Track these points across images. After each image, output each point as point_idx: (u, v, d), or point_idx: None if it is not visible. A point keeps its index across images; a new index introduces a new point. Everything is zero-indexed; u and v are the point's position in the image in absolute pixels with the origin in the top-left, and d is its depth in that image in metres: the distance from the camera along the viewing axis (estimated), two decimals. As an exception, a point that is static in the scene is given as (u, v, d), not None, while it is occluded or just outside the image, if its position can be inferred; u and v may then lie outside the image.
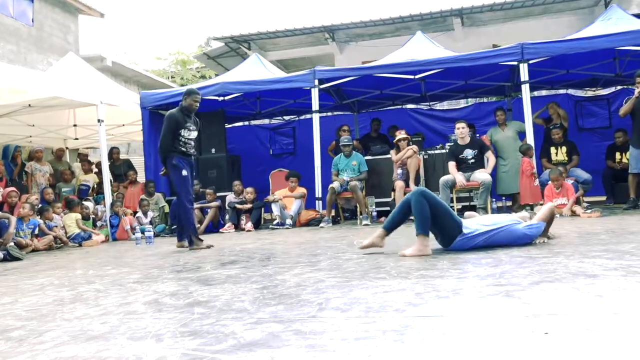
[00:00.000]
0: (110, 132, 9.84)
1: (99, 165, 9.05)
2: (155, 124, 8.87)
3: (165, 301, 2.43)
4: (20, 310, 2.47)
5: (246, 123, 11.11)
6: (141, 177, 9.50)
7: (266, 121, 11.45)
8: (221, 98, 9.02)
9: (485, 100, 10.81)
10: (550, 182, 6.57)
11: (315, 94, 7.87)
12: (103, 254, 5.28)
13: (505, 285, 2.22)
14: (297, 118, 10.90)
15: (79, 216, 7.37)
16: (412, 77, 8.16)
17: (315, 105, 7.87)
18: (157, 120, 8.95)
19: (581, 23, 10.53)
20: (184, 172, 5.15)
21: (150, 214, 8.10)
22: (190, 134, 5.25)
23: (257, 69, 8.85)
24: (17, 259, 5.43)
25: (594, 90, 9.77)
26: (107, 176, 8.10)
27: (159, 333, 1.84)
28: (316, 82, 7.86)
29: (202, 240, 5.24)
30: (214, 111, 9.37)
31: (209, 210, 7.87)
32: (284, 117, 10.91)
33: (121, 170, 9.43)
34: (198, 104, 5.26)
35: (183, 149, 5.21)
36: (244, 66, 9.22)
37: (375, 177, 7.93)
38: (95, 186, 9.39)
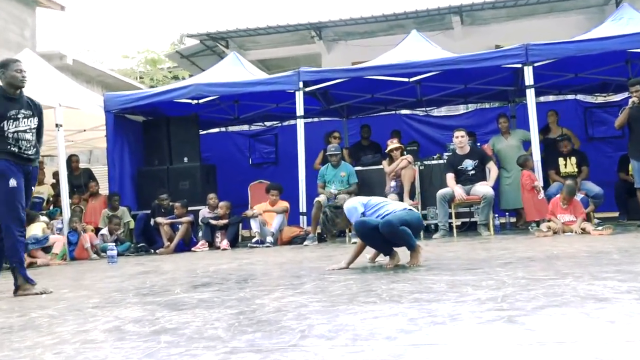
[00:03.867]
0: (69, 138, 9.76)
1: (56, 175, 8.96)
2: (121, 130, 8.83)
3: (128, 328, 2.40)
4: (-38, 339, 2.42)
5: (223, 129, 11.09)
6: (104, 189, 9.42)
7: (245, 127, 11.43)
8: (195, 101, 9.00)
9: (486, 106, 10.93)
10: (557, 195, 6.63)
11: (299, 98, 7.89)
12: (59, 275, 5.21)
13: (508, 310, 2.23)
14: (280, 124, 10.90)
15: (44, 224, 7.29)
16: (406, 79, 8.24)
17: (299, 110, 7.89)
18: (123, 126, 8.91)
19: (590, 23, 10.72)
20: (12, 182, 3.92)
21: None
22: (21, 124, 4.03)
23: (235, 70, 8.86)
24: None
25: (605, 96, 9.93)
26: (65, 187, 8.02)
27: (120, 364, 1.81)
28: (301, 84, 7.89)
29: (32, 284, 3.99)
30: (186, 115, 9.33)
31: (179, 226, 7.82)
32: (265, 123, 10.91)
33: (81, 180, 9.35)
34: (24, 76, 4.07)
35: (13, 148, 3.99)
36: (221, 66, 9.22)
37: (366, 190, 7.93)
38: (51, 199, 9.29)
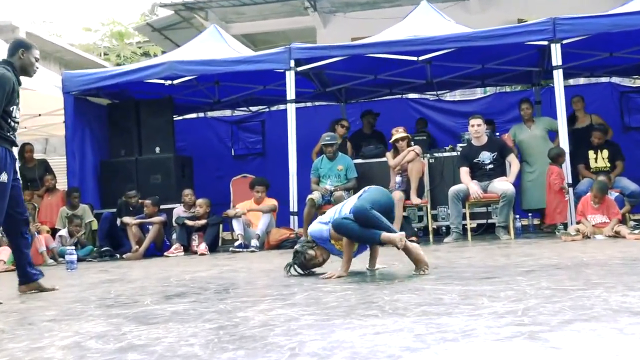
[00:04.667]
0: (22, 125, 9.70)
1: (6, 167, 8.92)
2: (82, 115, 8.80)
3: (89, 345, 2.40)
4: None
5: (201, 115, 11.06)
6: (62, 184, 9.38)
7: (227, 113, 11.40)
8: (169, 82, 8.98)
9: (507, 89, 10.95)
10: (588, 194, 6.66)
11: (290, 79, 7.88)
12: (8, 284, 5.20)
13: (530, 325, 2.24)
14: (268, 109, 10.89)
15: None
16: (415, 58, 8.24)
17: (290, 93, 7.88)
18: (84, 110, 8.89)
19: (628, -6, 10.75)
20: (3, 177, 4.03)
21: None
22: (19, 113, 4.30)
23: (216, 45, 8.85)
24: None
25: (645, 79, 9.97)
26: (16, 182, 7.99)
27: (81, 386, 1.81)
28: (292, 63, 7.88)
29: None
30: (158, 99, 9.31)
31: (150, 227, 7.81)
32: (250, 107, 10.90)
33: (35, 173, 9.32)
34: (37, 67, 4.39)
35: (11, 135, 4.17)
36: (199, 41, 9.20)
37: (367, 186, 7.96)
38: None
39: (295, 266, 4.38)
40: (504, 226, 6.93)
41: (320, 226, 4.40)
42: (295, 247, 4.54)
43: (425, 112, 10.19)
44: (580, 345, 1.94)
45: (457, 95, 10.99)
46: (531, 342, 2.00)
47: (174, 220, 8.06)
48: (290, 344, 2.18)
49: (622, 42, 7.83)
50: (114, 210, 8.19)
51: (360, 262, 4.58)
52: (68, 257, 6.48)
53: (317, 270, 4.43)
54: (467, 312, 2.56)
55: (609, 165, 7.67)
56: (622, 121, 9.34)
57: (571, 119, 8.30)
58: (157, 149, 8.95)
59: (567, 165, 7.13)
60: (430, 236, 7.41)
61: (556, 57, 7.17)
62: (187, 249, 7.79)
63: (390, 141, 7.76)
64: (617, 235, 6.22)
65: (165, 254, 7.63)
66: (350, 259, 4.22)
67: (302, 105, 10.35)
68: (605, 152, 7.72)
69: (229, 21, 13.17)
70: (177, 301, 3.48)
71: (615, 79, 9.82)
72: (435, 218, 7.71)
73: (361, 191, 4.46)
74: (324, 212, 7.56)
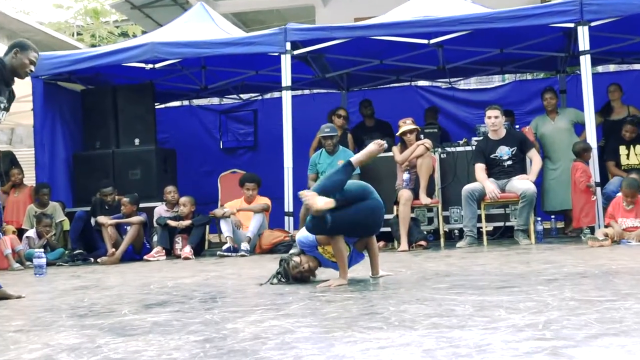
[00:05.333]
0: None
1: (-33, 160, 8.92)
2: (52, 102, 8.80)
3: (61, 358, 2.40)
4: None
5: (186, 103, 11.06)
6: (29, 179, 9.37)
7: (215, 101, 11.40)
8: (150, 66, 8.97)
9: (528, 77, 10.97)
10: (619, 194, 6.67)
11: (286, 63, 7.87)
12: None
13: (552, 340, 2.25)
14: (260, 97, 10.88)
15: None
16: (425, 41, 8.23)
17: (286, 79, 7.86)
18: (55, 97, 8.88)
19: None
20: None
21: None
22: (3, 113, 4.57)
23: (202, 25, 8.84)
24: None
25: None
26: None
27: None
28: (288, 45, 7.87)
29: None
30: (138, 84, 9.29)
31: (128, 228, 7.81)
32: (241, 95, 10.90)
33: (0, 167, 9.31)
34: (32, 71, 4.59)
35: None
36: (184, 21, 9.19)
37: (372, 184, 7.93)
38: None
39: (279, 276, 4.37)
40: (524, 230, 6.94)
41: (304, 233, 4.40)
42: (280, 259, 4.51)
43: (437, 102, 10.19)
44: (607, 362, 1.95)
45: (472, 83, 11.01)
46: (553, 358, 2.01)
47: (154, 220, 8.05)
48: (285, 359, 2.19)
49: (658, 25, 7.84)
50: (88, 208, 8.18)
51: (363, 268, 4.59)
52: (36, 261, 6.46)
53: (316, 278, 4.44)
54: (482, 325, 2.57)
55: (643, 162, 7.68)
56: (658, 113, 9.32)
57: (606, 109, 8.31)
58: (137, 141, 8.94)
59: (594, 161, 7.12)
60: (442, 240, 7.40)
61: (583, 41, 7.16)
62: (170, 253, 7.79)
63: (397, 134, 7.76)
64: (650, 240, 6.23)
65: (145, 258, 7.62)
66: (346, 263, 4.22)
67: (299, 93, 10.35)
68: (639, 148, 7.72)
69: (218, -2, 13.16)
70: (159, 311, 3.48)
71: (650, 66, 9.83)
72: (447, 220, 7.71)
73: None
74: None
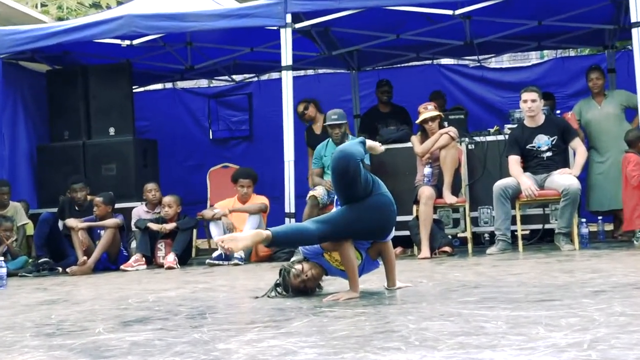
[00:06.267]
0: None
1: None
2: (13, 85, 8.81)
3: (25, 385, 2.41)
4: None
5: (169, 85, 11.06)
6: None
7: (203, 83, 11.40)
8: (127, 42, 8.96)
9: (571, 53, 10.92)
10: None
11: (286, 39, 7.84)
12: None
13: (599, 362, 2.25)
14: (256, 79, 10.88)
15: None
16: (450, 12, 8.22)
17: (286, 57, 7.84)
18: (16, 78, 8.89)
19: None
20: None
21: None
22: None
23: (188, -6, 8.83)
24: None
25: None
26: None
27: None
28: (289, 18, 7.85)
29: None
30: (113, 64, 9.29)
31: (102, 232, 7.82)
32: (234, 76, 10.90)
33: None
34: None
35: None
36: (167, -11, 9.19)
37: (387, 181, 7.91)
38: None
39: (279, 287, 4.35)
40: (566, 233, 6.92)
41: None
42: (281, 269, 4.46)
43: (463, 84, 10.19)
44: (665, 387, 1.94)
45: (505, 61, 10.97)
46: (601, 383, 2.01)
47: (133, 223, 8.06)
48: (286, 385, 2.19)
49: None
50: (55, 210, 8.19)
51: (377, 278, 4.59)
52: (-4, 271, 6.49)
53: (322, 290, 4.44)
54: (516, 345, 2.57)
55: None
56: None
57: None
58: (112, 130, 8.94)
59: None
60: (470, 246, 7.40)
61: (636, 11, 7.13)
62: (151, 261, 7.80)
63: (417, 121, 7.74)
64: None
65: (122, 267, 7.63)
66: (356, 273, 4.22)
67: (301, 73, 10.33)
68: None
69: (206, -37, 13.15)
70: (138, 329, 3.48)
71: None
72: (475, 222, 7.70)
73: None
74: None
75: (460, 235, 7.94)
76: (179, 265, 7.53)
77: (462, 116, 8.37)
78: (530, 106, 7.13)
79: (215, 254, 7.58)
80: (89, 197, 8.13)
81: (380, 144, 4.67)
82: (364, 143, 4.36)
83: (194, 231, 8.17)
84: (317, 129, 8.58)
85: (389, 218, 4.33)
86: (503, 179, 7.12)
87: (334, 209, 4.51)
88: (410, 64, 10.30)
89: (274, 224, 7.91)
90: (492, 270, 5.42)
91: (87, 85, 9.07)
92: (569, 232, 6.92)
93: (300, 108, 8.53)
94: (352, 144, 4.41)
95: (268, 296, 4.35)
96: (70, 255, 7.88)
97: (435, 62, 10.40)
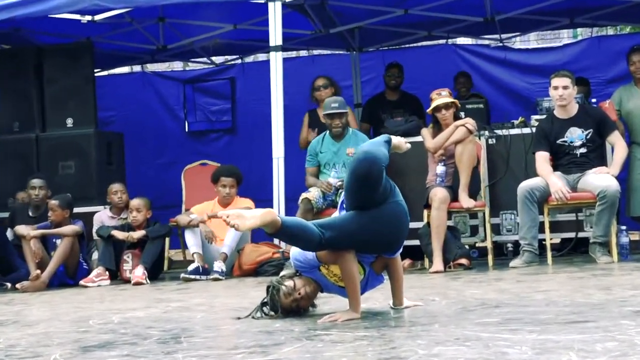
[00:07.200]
0: None
1: None
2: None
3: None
4: None
5: (137, 68, 11.05)
6: None
7: (177, 66, 11.39)
8: (87, 18, 8.96)
9: (609, 32, 10.94)
10: None
11: (276, 14, 7.85)
12: None
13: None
14: (240, 61, 10.89)
15: None
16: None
17: (275, 36, 7.85)
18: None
19: None
20: None
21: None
22: None
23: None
24: None
25: None
26: None
27: None
28: (279, -11, 7.88)
29: None
30: (72, 43, 9.28)
31: (58, 241, 7.81)
32: (213, 58, 10.92)
33: None
34: None
35: None
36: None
37: (395, 180, 7.93)
38: None
39: (266, 307, 4.34)
40: (603, 243, 6.93)
41: (301, 251, 4.37)
42: (268, 286, 4.42)
43: (482, 67, 10.20)
44: None
45: (531, 40, 10.99)
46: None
47: (94, 231, 8.06)
48: (275, 422, 2.19)
49: None
50: (5, 215, 8.18)
51: (382, 295, 4.60)
52: None
53: (317, 309, 4.44)
54: (545, 375, 2.57)
55: None
56: None
57: None
58: (70, 122, 8.93)
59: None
60: (490, 257, 7.41)
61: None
62: (116, 276, 7.81)
63: (429, 110, 7.74)
64: None
65: (82, 282, 7.61)
66: (358, 290, 4.21)
67: (293, 54, 10.34)
68: None
69: None
70: (101, 355, 3.48)
71: None
72: (497, 230, 7.71)
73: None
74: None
75: (479, 245, 7.93)
76: (148, 281, 7.53)
77: (481, 105, 8.39)
78: (562, 94, 7.14)
79: (191, 267, 7.58)
80: (43, 199, 8.11)
81: (405, 140, 4.66)
82: (389, 143, 4.37)
83: (167, 240, 8.17)
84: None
85: (401, 230, 4.35)
86: (529, 179, 7.12)
87: (336, 214, 4.52)
88: (421, 43, 10.34)
89: (261, 232, 7.96)
90: (516, 287, 5.43)
91: (41, 68, 9.06)
92: (606, 241, 6.93)
93: (320, 82, 8.52)
94: (376, 144, 4.37)
95: (253, 317, 4.35)
96: (20, 268, 7.86)
97: (450, 41, 10.41)
